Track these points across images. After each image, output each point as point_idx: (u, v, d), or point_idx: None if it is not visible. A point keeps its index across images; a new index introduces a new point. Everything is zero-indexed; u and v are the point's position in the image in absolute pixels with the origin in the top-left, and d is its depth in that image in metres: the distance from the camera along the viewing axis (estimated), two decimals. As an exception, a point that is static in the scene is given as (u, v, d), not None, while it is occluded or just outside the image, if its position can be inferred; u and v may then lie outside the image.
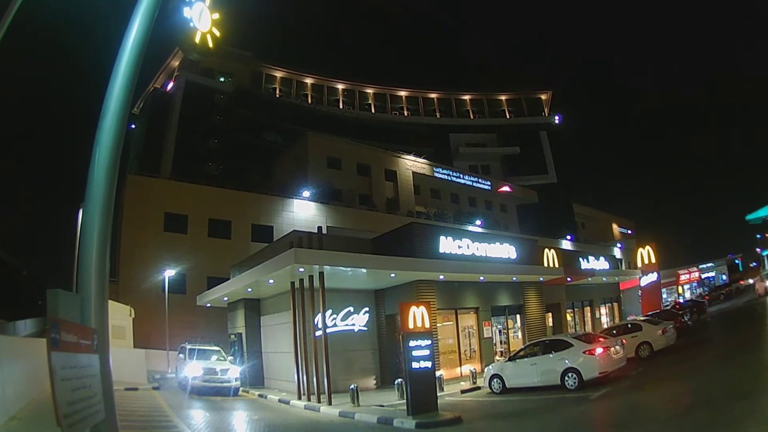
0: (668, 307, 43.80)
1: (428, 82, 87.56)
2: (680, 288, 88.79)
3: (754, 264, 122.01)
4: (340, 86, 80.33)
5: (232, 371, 25.10)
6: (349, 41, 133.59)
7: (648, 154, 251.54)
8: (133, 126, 60.10)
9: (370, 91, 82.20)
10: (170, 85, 64.65)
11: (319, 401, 20.99)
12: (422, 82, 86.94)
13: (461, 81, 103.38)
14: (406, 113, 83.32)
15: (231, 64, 66.37)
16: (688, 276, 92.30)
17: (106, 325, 6.07)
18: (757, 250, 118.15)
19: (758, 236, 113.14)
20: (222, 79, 66.75)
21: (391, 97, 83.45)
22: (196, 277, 38.30)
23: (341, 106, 79.16)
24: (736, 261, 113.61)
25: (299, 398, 22.08)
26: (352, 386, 20.30)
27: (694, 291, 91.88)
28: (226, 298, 30.26)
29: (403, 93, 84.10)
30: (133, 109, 60.64)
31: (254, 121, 64.22)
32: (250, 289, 27.00)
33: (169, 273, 35.76)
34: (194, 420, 17.28)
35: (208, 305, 32.85)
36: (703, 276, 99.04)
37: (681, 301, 67.70)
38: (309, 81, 78.18)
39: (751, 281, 74.33)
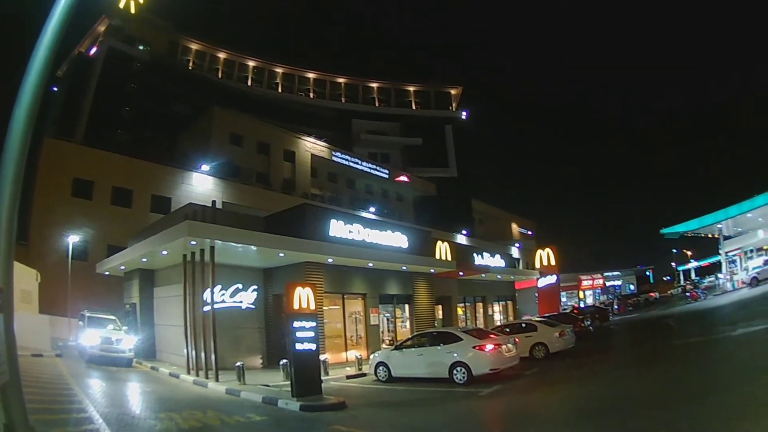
0: (567, 311, 45.74)
1: (339, 67, 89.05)
2: (582, 293, 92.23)
3: (668, 278, 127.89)
4: (251, 63, 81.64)
5: (126, 342, 25.30)
6: (268, 20, 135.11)
7: (561, 161, 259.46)
8: (55, 89, 60.00)
9: (279, 70, 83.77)
10: (93, 50, 64.73)
11: (207, 377, 21.60)
12: (333, 66, 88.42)
13: (374, 69, 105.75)
14: (312, 95, 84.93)
15: (150, 32, 67.73)
16: (591, 282, 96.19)
17: (11, 285, 6.16)
18: (672, 264, 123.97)
19: (674, 251, 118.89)
20: (141, 48, 66.37)
21: (299, 79, 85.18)
22: (98, 244, 38.52)
23: (250, 83, 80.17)
24: (647, 272, 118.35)
25: (188, 373, 22.58)
26: (239, 364, 20.92)
27: (599, 297, 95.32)
28: (123, 267, 30.48)
29: (311, 75, 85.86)
30: (56, 71, 59.62)
31: (165, 92, 64.74)
32: (145, 260, 27.43)
33: (73, 239, 35.84)
34: (92, 389, 17.49)
35: (107, 273, 32.94)
36: (608, 284, 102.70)
37: (582, 306, 71.27)
38: (222, 56, 79.46)
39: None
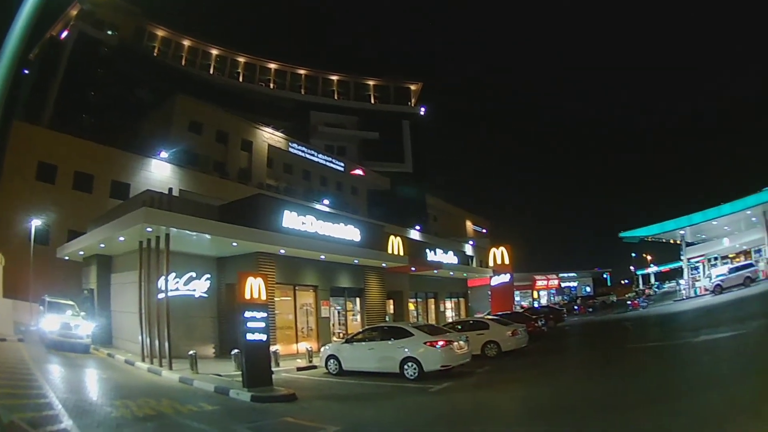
0: (521, 310, 46.08)
1: (301, 58, 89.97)
2: (536, 293, 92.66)
3: (626, 281, 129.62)
4: (215, 52, 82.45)
5: (84, 328, 25.26)
6: (236, 9, 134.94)
7: (521, 162, 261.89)
8: (26, 71, 59.58)
9: (241, 60, 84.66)
10: (64, 34, 64.49)
11: (161, 365, 21.61)
12: (295, 57, 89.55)
13: (337, 62, 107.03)
14: (272, 86, 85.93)
15: (119, 17, 67.80)
16: (545, 282, 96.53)
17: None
18: (631, 268, 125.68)
19: (633, 254, 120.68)
20: (110, 33, 66.54)
21: (260, 68, 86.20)
22: (59, 229, 38.45)
23: (212, 72, 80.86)
24: (604, 275, 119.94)
25: (143, 360, 22.61)
26: (192, 352, 21.13)
27: (553, 298, 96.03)
28: (82, 252, 30.53)
29: (273, 66, 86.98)
30: (29, 54, 59.65)
31: (130, 77, 64.97)
32: (102, 245, 27.55)
33: (36, 223, 35.94)
34: (52, 375, 17.67)
35: (66, 258, 32.83)
36: (564, 285, 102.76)
37: (536, 305, 71.74)
38: (187, 43, 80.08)
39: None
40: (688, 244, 65.24)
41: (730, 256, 66.92)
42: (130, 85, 64.97)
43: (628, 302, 61.83)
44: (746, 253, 63.94)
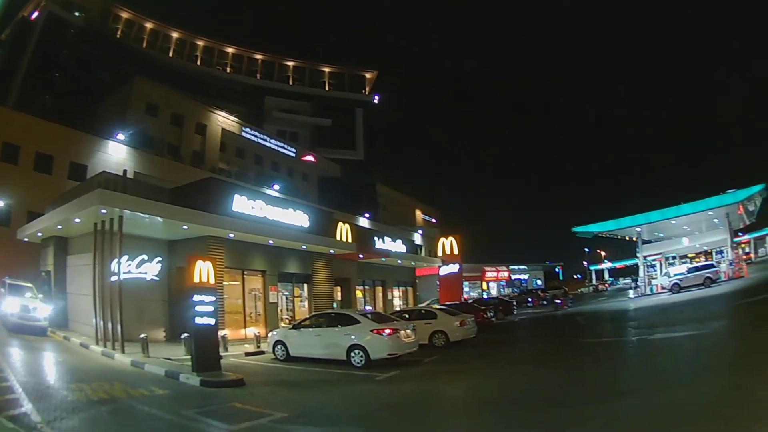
0: (470, 301, 46.85)
1: (258, 43, 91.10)
2: (485, 284, 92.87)
3: (579, 276, 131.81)
4: (175, 35, 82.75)
5: (41, 310, 25.25)
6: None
7: (477, 154, 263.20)
8: None
9: (200, 43, 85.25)
10: (35, 15, 64.34)
11: (114, 348, 21.62)
12: (253, 41, 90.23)
13: (296, 47, 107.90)
14: (229, 70, 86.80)
15: None
16: (495, 274, 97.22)
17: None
18: (584, 263, 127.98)
19: (586, 250, 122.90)
20: (77, 14, 67.03)
21: (218, 52, 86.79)
22: (20, 210, 38.27)
23: (171, 55, 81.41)
24: (556, 269, 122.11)
25: (97, 343, 22.68)
26: (143, 336, 21.44)
27: (514, 290, 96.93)
28: (40, 234, 30.58)
29: (231, 50, 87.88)
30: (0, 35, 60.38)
31: (94, 58, 64.67)
32: (60, 227, 27.57)
33: None
34: (12, 358, 18.01)
35: (25, 239, 32.78)
36: (514, 277, 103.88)
37: (485, 297, 71.61)
38: (149, 26, 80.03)
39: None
40: (645, 242, 65.91)
41: (690, 255, 69.21)
42: (92, 67, 64.72)
43: (557, 300, 61.39)
44: (707, 254, 66.41)
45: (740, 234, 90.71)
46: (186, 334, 20.84)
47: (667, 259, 69.53)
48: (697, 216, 57.96)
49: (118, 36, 76.14)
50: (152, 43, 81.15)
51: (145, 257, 27.64)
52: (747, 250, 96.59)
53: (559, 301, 52.38)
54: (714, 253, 65.17)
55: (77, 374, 16.36)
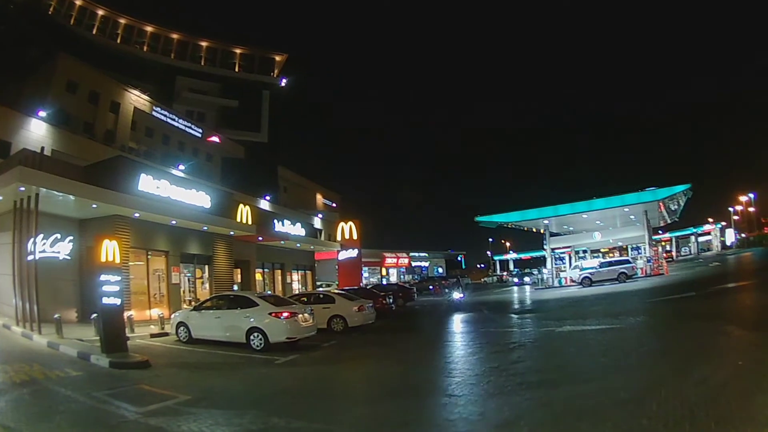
0: (369, 286, 47.49)
1: (177, 22, 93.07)
2: (385, 270, 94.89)
3: (482, 266, 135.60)
4: (101, 12, 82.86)
5: None
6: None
7: (384, 141, 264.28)
8: None
9: (123, 21, 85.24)
10: None
11: (32, 329, 21.75)
12: (172, 20, 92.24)
13: (212, 28, 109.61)
14: (146, 48, 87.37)
15: None
16: (395, 260, 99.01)
17: None
18: (488, 253, 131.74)
19: (490, 240, 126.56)
20: None
21: (138, 31, 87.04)
22: None
23: (95, 32, 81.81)
24: (459, 257, 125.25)
25: (17, 324, 22.99)
26: (57, 316, 21.44)
27: (414, 277, 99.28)
28: None
29: (150, 29, 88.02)
30: None
31: (26, 35, 65.44)
32: None
33: None
34: None
35: None
36: (415, 264, 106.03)
37: (384, 283, 73.50)
38: (78, 2, 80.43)
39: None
40: (553, 234, 69.01)
41: (603, 250, 71.29)
42: (23, 43, 64.88)
43: (430, 287, 64.38)
44: (622, 250, 68.70)
45: (660, 232, 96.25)
46: (95, 315, 20.77)
47: (577, 252, 71.46)
48: (611, 211, 59.79)
49: (50, 12, 76.58)
50: (79, 20, 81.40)
51: (59, 236, 27.36)
52: (668, 248, 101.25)
53: (458, 297, 44.58)
54: (630, 249, 67.61)
55: (1, 356, 17.03)
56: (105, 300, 18.40)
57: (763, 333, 15.27)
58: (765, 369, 10.97)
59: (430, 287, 73.86)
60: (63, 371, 15.32)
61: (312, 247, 54.21)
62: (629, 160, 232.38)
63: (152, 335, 24.89)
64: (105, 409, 11.42)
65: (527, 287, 69.76)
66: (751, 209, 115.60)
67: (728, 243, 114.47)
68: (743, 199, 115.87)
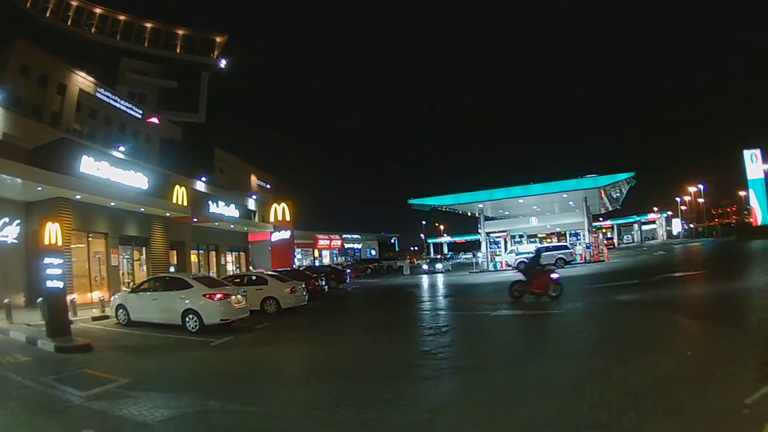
0: (301, 268, 48.24)
1: (125, 3, 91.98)
2: (317, 252, 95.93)
3: (415, 248, 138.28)
4: None
5: None
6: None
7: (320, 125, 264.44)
8: None
9: (74, 3, 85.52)
10: None
11: None
12: (119, 3, 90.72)
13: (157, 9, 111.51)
14: (93, 30, 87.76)
15: None
16: (328, 242, 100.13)
17: None
18: (421, 236, 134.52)
19: (423, 222, 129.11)
20: None
21: (87, 13, 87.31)
22: None
23: (48, 15, 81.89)
24: (392, 240, 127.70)
25: None
26: (6, 301, 21.68)
27: (347, 258, 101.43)
28: None
29: (98, 10, 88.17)
30: None
31: None
32: None
33: None
34: None
35: None
36: (348, 246, 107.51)
37: (316, 264, 74.66)
38: None
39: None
40: (488, 219, 69.52)
41: (540, 235, 74.22)
42: None
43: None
44: (560, 235, 70.44)
45: (601, 219, 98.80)
46: (41, 299, 20.34)
47: (513, 237, 73.58)
48: (549, 197, 60.69)
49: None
50: (35, 3, 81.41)
51: (6, 220, 28.21)
52: (609, 235, 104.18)
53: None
54: (568, 235, 68.63)
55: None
56: (49, 283, 18.43)
57: (711, 323, 15.72)
58: (714, 359, 11.27)
59: (369, 269, 78.27)
60: (13, 357, 15.86)
61: (246, 228, 55.22)
62: (586, 147, 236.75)
63: (94, 318, 25.04)
64: (52, 394, 11.85)
65: (462, 270, 69.10)
66: (701, 200, 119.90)
67: (675, 233, 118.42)
68: (692, 189, 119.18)
